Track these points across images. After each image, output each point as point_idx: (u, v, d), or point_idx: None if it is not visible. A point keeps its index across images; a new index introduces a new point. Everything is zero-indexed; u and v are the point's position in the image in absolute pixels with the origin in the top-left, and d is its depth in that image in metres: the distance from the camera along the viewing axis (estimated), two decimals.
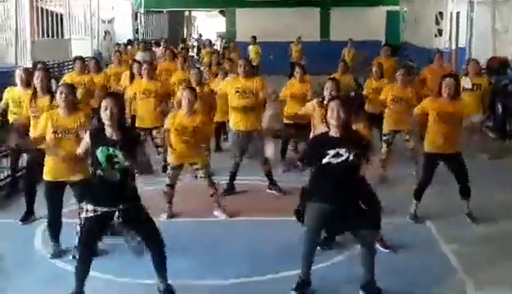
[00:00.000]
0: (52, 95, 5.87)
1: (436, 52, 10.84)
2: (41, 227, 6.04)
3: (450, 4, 17.18)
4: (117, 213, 4.21)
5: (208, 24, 37.96)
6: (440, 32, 18.13)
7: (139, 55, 13.65)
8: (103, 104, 4.26)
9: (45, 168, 5.29)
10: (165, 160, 7.06)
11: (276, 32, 21.49)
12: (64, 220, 5.45)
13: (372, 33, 22.12)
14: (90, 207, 4.26)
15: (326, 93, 6.11)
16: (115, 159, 4.19)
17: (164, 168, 7.19)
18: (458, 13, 16.60)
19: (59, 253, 5.40)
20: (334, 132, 4.50)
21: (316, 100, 6.44)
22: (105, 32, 20.28)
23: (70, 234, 5.34)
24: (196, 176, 6.75)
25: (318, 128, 5.45)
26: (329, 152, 4.39)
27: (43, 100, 6.02)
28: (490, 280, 4.95)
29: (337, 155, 4.37)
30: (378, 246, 5.10)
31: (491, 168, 8.33)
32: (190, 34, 33.75)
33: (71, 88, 5.34)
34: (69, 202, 5.48)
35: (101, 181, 4.25)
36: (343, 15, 22.96)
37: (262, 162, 7.20)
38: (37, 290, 4.90)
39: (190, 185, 7.12)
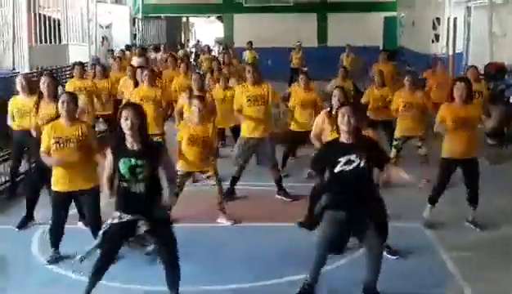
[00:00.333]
0: None
1: (433, 58, 10.77)
2: (38, 232, 6.03)
3: (447, 9, 17.22)
4: (141, 222, 4.22)
5: (206, 30, 38.03)
6: (437, 37, 18.16)
7: (135, 61, 13.66)
8: (123, 114, 4.23)
9: (53, 178, 5.25)
10: None
11: (274, 37, 21.57)
12: None
13: (370, 38, 22.14)
14: (116, 213, 4.26)
15: (334, 101, 6.10)
16: (138, 170, 4.17)
17: None
18: (455, 19, 16.65)
19: (56, 260, 5.37)
20: (344, 138, 4.50)
21: (324, 110, 6.42)
22: (103, 37, 20.23)
23: (68, 240, 5.35)
24: (196, 181, 6.71)
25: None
26: (340, 159, 4.38)
27: (48, 108, 5.93)
28: (488, 286, 4.92)
29: (349, 162, 4.38)
30: (385, 253, 5.01)
31: (491, 174, 8.30)
32: (188, 40, 33.75)
33: (73, 97, 5.30)
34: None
35: (126, 192, 4.24)
36: (340, 20, 23.03)
37: (271, 168, 7.19)
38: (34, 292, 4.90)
39: (191, 191, 7.07)
